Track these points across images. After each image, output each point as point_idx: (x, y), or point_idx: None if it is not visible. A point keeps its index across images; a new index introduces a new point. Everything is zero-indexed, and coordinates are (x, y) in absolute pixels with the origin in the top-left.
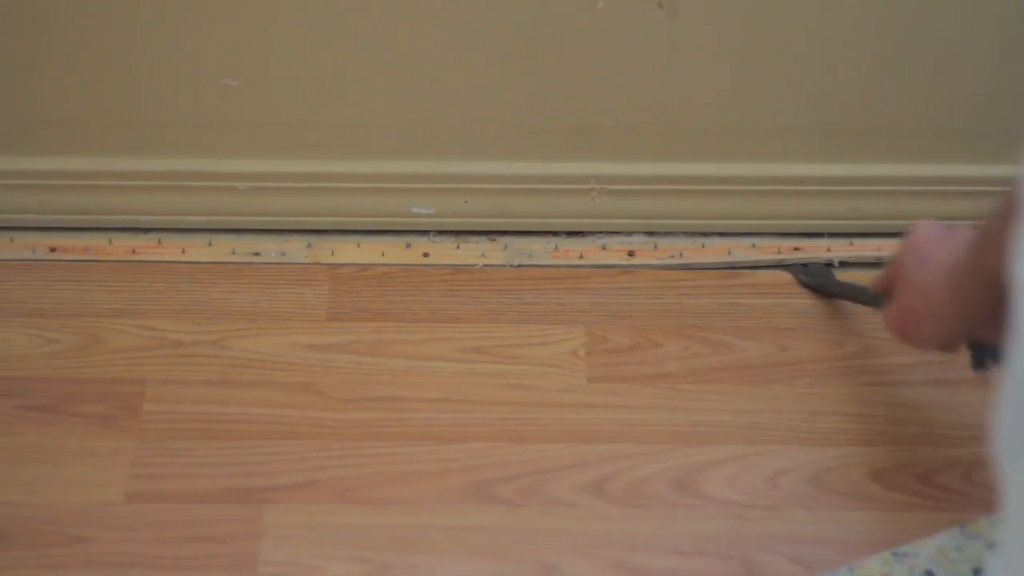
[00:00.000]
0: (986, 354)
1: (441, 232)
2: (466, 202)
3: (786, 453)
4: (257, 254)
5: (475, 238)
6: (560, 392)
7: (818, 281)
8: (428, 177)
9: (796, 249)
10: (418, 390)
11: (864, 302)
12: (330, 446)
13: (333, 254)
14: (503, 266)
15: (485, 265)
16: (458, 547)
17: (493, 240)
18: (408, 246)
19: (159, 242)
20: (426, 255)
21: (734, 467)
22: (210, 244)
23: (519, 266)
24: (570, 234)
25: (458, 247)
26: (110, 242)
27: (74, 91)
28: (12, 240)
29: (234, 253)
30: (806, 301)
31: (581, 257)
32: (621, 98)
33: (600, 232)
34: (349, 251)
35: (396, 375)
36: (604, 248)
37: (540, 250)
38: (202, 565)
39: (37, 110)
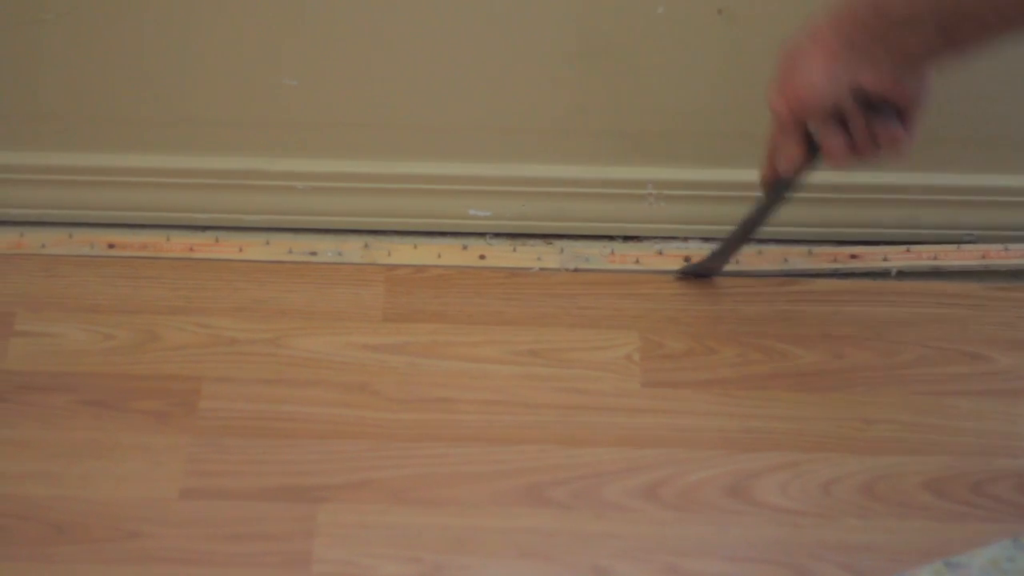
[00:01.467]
0: (873, 102)
1: (498, 235)
2: (523, 205)
3: (839, 461)
4: (314, 253)
5: (532, 241)
6: (614, 397)
7: (716, 258)
8: (486, 180)
9: (853, 257)
10: (472, 392)
11: (768, 204)
12: (384, 446)
13: (390, 255)
14: (559, 269)
15: (541, 268)
16: (511, 549)
17: (549, 243)
18: (464, 248)
19: (216, 240)
20: (482, 257)
21: (787, 474)
22: (267, 243)
23: (575, 270)
24: (626, 239)
25: (514, 250)
26: (168, 239)
27: (134, 89)
28: (71, 236)
29: (291, 252)
30: (862, 309)
31: (637, 262)
32: (679, 103)
33: (657, 237)
34: (406, 252)
35: (451, 377)
36: (660, 253)
37: (596, 254)
38: (255, 563)
39: (98, 107)
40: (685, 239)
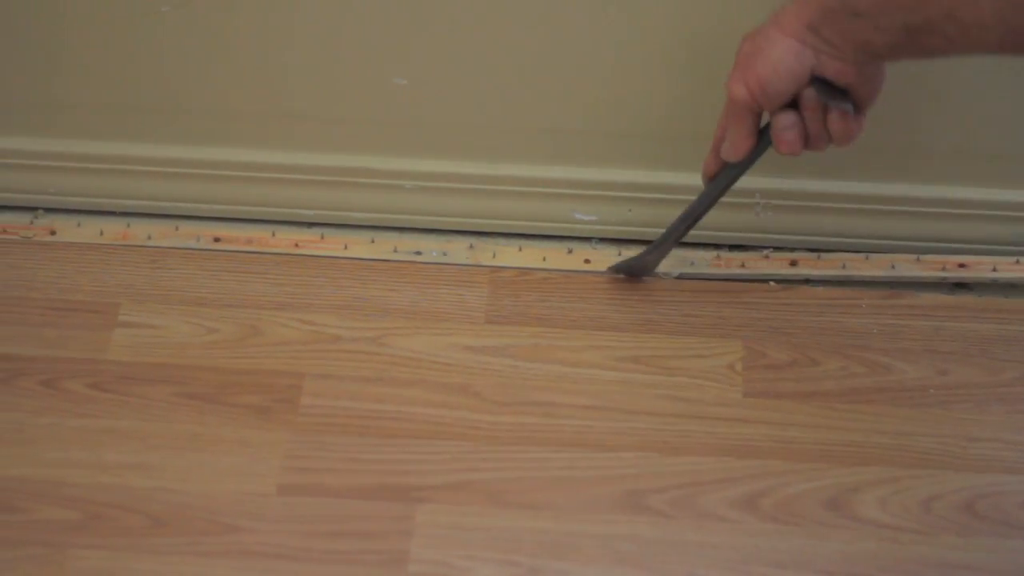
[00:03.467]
0: (833, 92)
1: (603, 239)
2: (629, 211)
3: (941, 478)
4: (419, 253)
5: (637, 247)
6: (715, 406)
7: (651, 254)
8: (592, 184)
9: (961, 266)
10: (573, 396)
11: (710, 195)
12: (483, 448)
13: (494, 256)
14: (664, 275)
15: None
16: (607, 555)
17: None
18: (570, 252)
19: (322, 237)
20: (587, 261)
21: (887, 489)
22: (372, 241)
23: (680, 276)
24: (732, 247)
25: (619, 254)
26: (273, 235)
27: (243, 84)
28: (177, 228)
29: (396, 251)
30: (967, 325)
31: (743, 266)
32: None
33: (763, 247)
34: (510, 254)
35: (552, 380)
36: (767, 257)
37: (701, 258)
38: (352, 560)
39: (208, 100)
40: (791, 250)
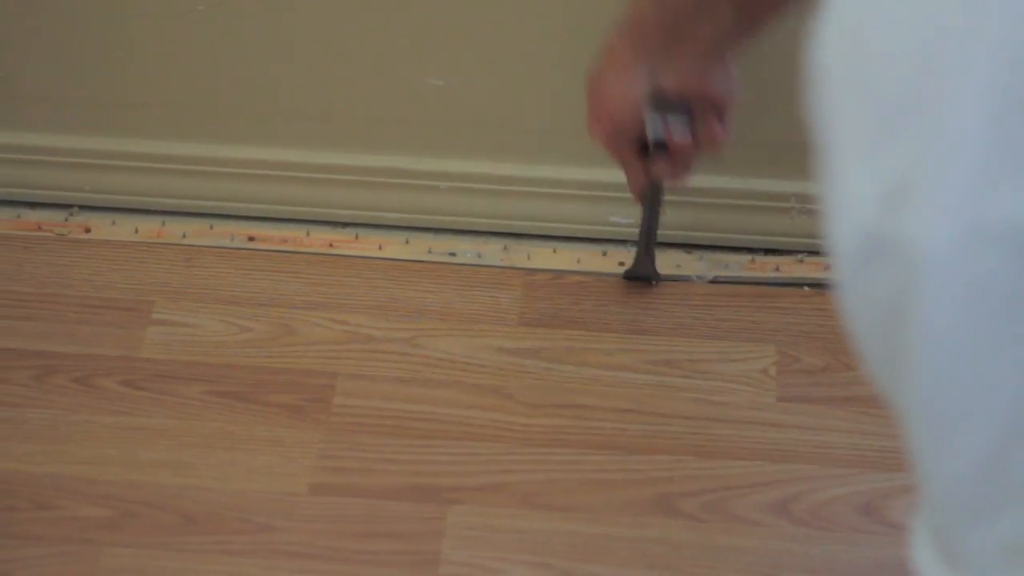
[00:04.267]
0: (669, 106)
1: (638, 242)
2: (664, 214)
3: None
4: (453, 254)
5: (671, 250)
6: (748, 410)
7: (644, 260)
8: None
9: None
10: (606, 399)
11: (647, 216)
12: (516, 450)
13: (529, 258)
14: (698, 278)
15: (679, 277)
16: (639, 558)
17: (689, 252)
18: (604, 254)
19: (356, 237)
20: (621, 264)
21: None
22: (407, 242)
23: (714, 280)
24: (767, 251)
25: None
26: (308, 234)
27: (279, 83)
28: (212, 227)
29: (430, 252)
30: None
31: (777, 270)
32: None
33: (798, 251)
34: (545, 256)
35: (585, 383)
36: (801, 262)
37: (735, 262)
38: (383, 561)
39: (243, 100)
40: (826, 253)
